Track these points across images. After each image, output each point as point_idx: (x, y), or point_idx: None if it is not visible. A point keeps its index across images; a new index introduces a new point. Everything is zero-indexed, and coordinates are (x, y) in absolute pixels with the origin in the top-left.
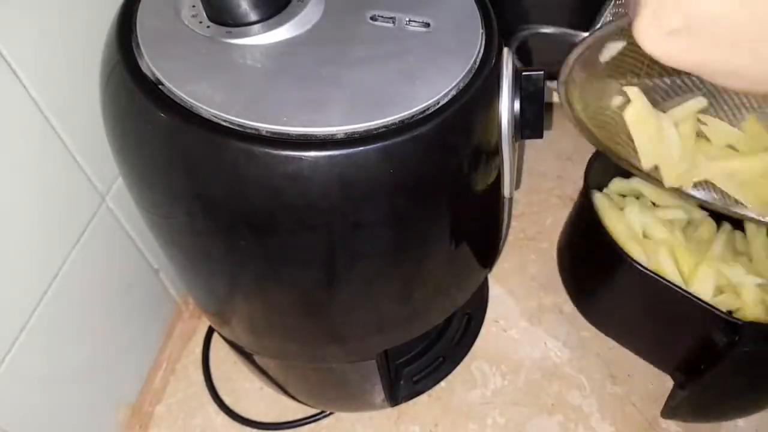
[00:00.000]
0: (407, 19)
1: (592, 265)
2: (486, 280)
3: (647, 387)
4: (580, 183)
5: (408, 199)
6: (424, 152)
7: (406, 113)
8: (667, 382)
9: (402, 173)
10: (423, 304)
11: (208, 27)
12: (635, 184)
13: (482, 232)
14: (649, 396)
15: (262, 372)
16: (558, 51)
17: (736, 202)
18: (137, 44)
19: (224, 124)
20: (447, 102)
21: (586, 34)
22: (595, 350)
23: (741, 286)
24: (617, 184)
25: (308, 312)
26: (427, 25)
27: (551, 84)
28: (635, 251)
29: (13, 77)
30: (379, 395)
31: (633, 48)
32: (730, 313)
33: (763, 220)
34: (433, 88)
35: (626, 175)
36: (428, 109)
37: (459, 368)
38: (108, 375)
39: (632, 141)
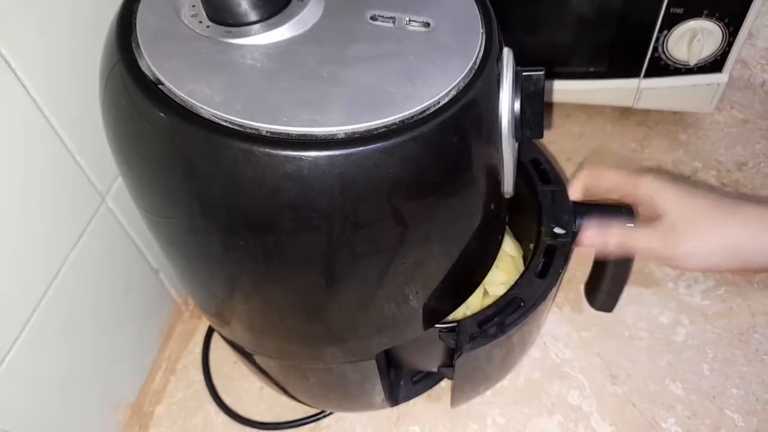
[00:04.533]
0: (407, 19)
1: None
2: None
3: (647, 387)
4: None
5: (408, 199)
6: (425, 152)
7: (406, 113)
8: (670, 385)
9: (402, 173)
10: (423, 304)
11: (207, 27)
12: None
13: (482, 232)
14: (650, 396)
15: (262, 372)
16: (558, 51)
17: None
18: (137, 44)
19: (224, 123)
20: (447, 102)
21: None
22: (595, 350)
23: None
24: None
25: (308, 312)
26: (427, 24)
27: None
28: None
29: (13, 76)
30: (379, 395)
31: None
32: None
33: None
34: (433, 88)
35: None
36: (428, 109)
37: None
38: (108, 375)
39: None
